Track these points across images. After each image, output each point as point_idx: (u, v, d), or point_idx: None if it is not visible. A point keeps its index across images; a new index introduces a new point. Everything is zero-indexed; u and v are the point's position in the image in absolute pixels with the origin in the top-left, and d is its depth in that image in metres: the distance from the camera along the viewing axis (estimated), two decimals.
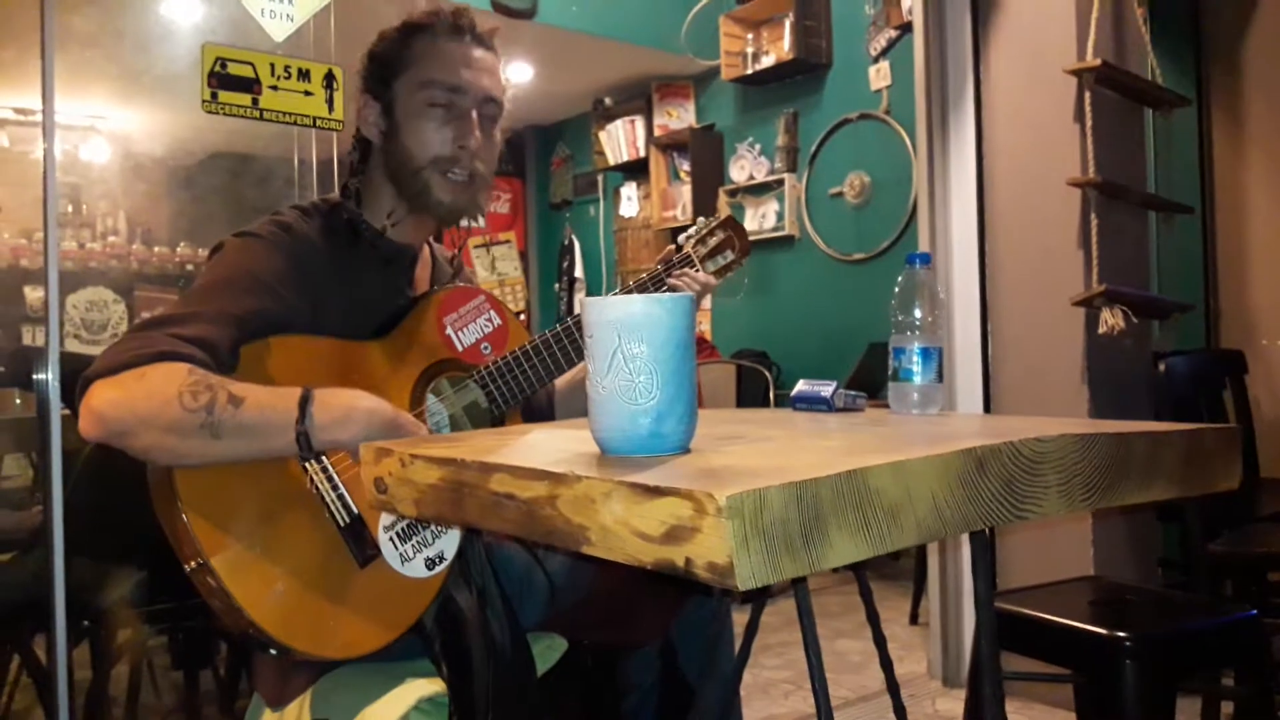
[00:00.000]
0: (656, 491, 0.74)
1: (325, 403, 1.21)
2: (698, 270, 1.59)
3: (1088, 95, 2.60)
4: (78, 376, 1.83)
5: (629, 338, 0.89)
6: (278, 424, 1.18)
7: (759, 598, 1.30)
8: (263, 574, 1.17)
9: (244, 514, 1.19)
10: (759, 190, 5.33)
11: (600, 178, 6.51)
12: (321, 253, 1.37)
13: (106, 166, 5.30)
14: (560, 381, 1.66)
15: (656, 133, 5.88)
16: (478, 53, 1.44)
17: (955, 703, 2.81)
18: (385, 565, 1.25)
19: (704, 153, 5.56)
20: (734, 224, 1.65)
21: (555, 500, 0.83)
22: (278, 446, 1.19)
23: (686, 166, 5.67)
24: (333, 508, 1.24)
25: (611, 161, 6.24)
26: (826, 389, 1.34)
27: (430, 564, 1.27)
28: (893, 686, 1.33)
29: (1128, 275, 2.70)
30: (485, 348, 1.47)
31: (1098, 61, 2.56)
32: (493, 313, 1.49)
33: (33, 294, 5.27)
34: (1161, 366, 2.36)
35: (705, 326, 5.61)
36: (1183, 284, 3.64)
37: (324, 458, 1.25)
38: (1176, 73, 3.64)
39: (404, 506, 1.02)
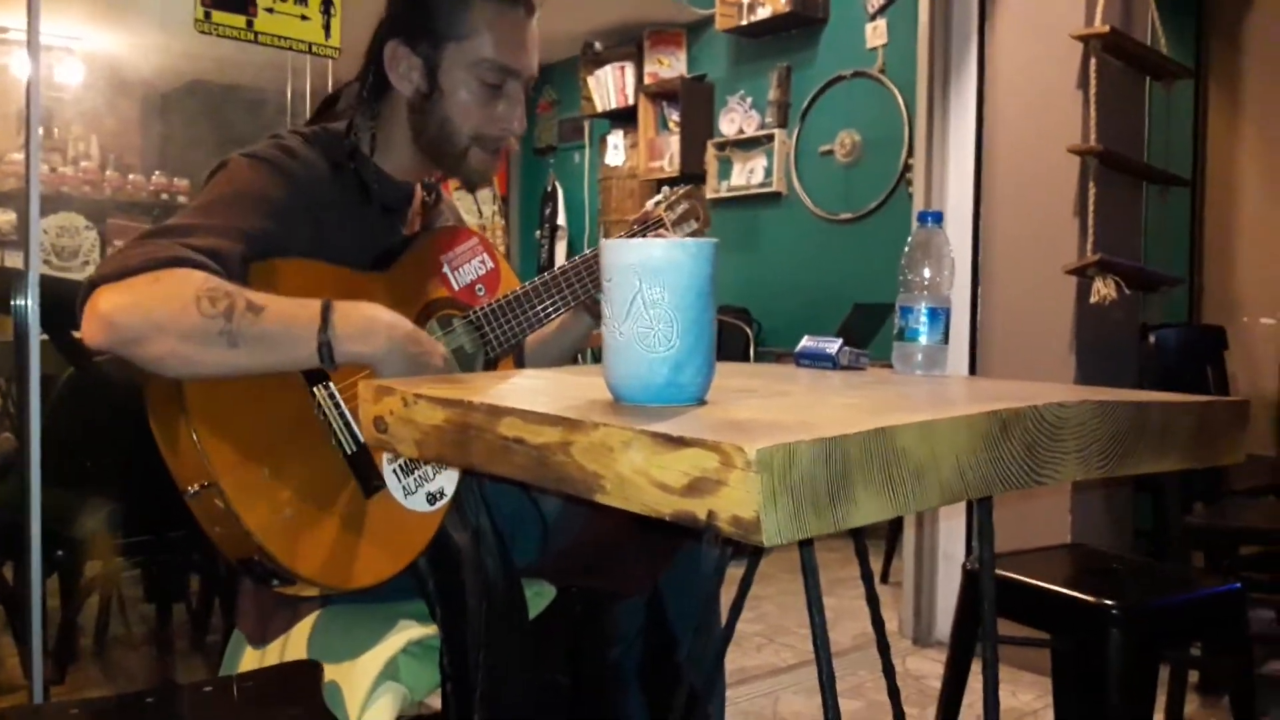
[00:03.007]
0: (681, 442, 0.71)
1: (346, 313, 1.17)
2: (669, 235, 1.56)
3: (1093, 62, 2.57)
4: (55, 300, 1.79)
5: (650, 282, 0.86)
6: (299, 333, 1.14)
7: (754, 554, 1.28)
8: (271, 498, 1.13)
9: (253, 436, 1.15)
10: (748, 145, 5.28)
11: (587, 124, 6.42)
12: (324, 182, 1.32)
13: (82, 89, 5.15)
14: (531, 337, 1.63)
15: (646, 80, 5.80)
16: (530, 26, 1.40)
17: (925, 661, 2.84)
18: (390, 497, 1.23)
19: (694, 103, 5.50)
20: (699, 194, 1.65)
21: (569, 447, 0.80)
22: (299, 357, 1.16)
23: (676, 117, 5.60)
24: (340, 435, 1.21)
25: (599, 108, 6.15)
26: (831, 346, 1.32)
27: (431, 499, 1.25)
28: (883, 645, 1.32)
29: (1121, 246, 2.70)
30: (479, 289, 1.44)
31: (1106, 28, 2.53)
32: (486, 255, 1.48)
33: (2, 216, 5.13)
34: (1151, 339, 2.36)
35: None
36: (1169, 257, 3.65)
37: (331, 384, 1.22)
38: (1177, 44, 3.62)
39: (404, 447, 0.99)
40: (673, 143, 5.60)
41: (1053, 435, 0.89)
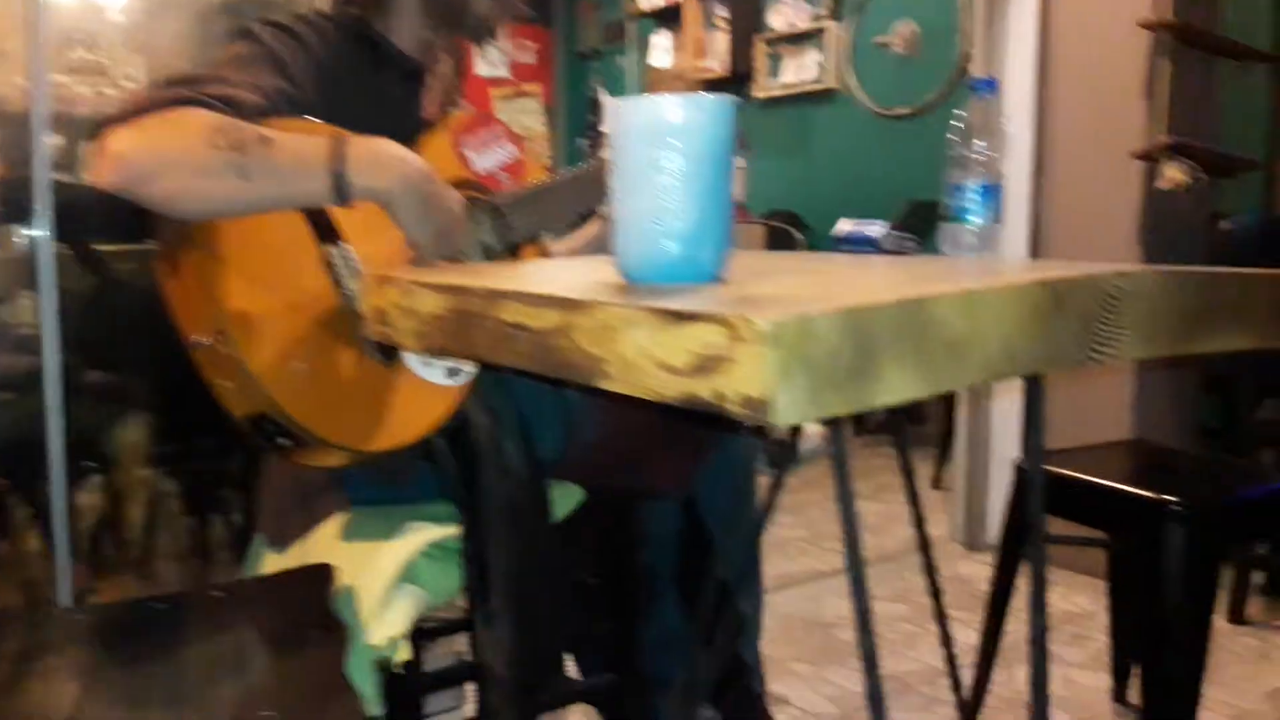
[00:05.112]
0: (685, 317, 0.64)
1: (359, 147, 1.12)
2: None
3: None
4: (73, 208, 1.75)
5: (660, 146, 0.78)
6: (311, 165, 1.10)
7: (786, 461, 1.22)
8: (281, 348, 1.09)
9: (266, 290, 1.10)
10: (799, 39, 5.06)
11: (631, 25, 6.22)
12: (339, 55, 1.29)
13: (123, 11, 5.11)
14: (560, 246, 1.57)
15: None
16: None
17: (976, 566, 2.78)
18: (405, 366, 1.17)
19: None
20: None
21: (570, 330, 0.74)
22: (312, 191, 1.11)
23: (723, 13, 5.39)
24: (356, 300, 1.15)
25: (644, 6, 5.94)
26: (875, 229, 1.23)
27: (450, 373, 1.19)
28: (924, 542, 1.26)
29: (1195, 128, 2.53)
30: (503, 177, 1.37)
31: None
32: (511, 145, 1.40)
33: (50, 141, 5.15)
34: (1226, 225, 2.22)
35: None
36: (1248, 139, 3.42)
37: (344, 243, 1.16)
38: None
39: (406, 339, 0.93)
40: (720, 40, 5.39)
41: (1112, 308, 0.80)
